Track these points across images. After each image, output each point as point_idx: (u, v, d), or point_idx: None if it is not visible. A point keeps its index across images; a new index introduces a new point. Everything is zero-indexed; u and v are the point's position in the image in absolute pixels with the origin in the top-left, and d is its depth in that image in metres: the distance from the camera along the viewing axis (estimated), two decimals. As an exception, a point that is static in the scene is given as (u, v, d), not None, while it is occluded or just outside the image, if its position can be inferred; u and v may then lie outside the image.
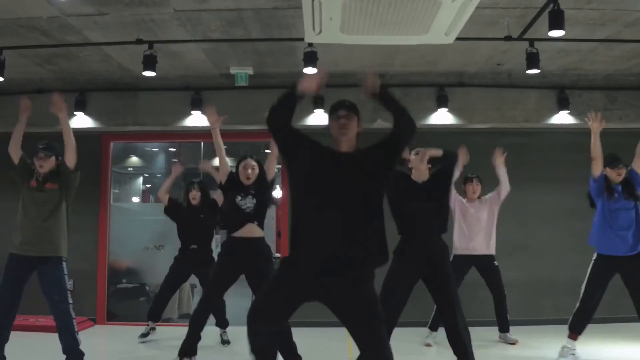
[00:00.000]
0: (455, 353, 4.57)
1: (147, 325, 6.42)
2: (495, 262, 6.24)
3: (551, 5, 4.51)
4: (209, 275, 5.21)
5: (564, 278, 7.06)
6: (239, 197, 4.97)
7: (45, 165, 4.67)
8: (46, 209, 4.61)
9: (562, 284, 7.08)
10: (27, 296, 4.61)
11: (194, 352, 5.15)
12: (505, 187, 6.22)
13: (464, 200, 6.31)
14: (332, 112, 3.29)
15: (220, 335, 6.31)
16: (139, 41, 5.60)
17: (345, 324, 3.05)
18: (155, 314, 6.38)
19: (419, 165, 4.83)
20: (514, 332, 6.29)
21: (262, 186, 5.05)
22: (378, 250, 3.13)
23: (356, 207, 3.08)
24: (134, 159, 10.58)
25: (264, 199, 5.06)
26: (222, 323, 6.29)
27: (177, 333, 6.21)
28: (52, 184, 4.69)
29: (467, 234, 6.19)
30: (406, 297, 4.77)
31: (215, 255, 6.21)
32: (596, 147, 5.19)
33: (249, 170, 4.99)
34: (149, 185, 11.64)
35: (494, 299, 6.24)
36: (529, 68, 5.68)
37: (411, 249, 4.70)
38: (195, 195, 6.33)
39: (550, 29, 4.54)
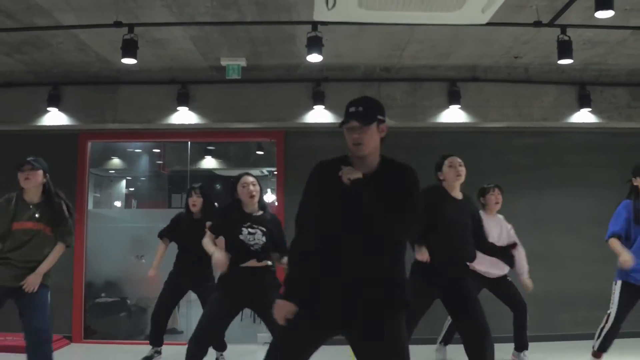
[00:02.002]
0: None
1: (151, 348, 5.72)
2: (508, 277, 5.63)
3: (595, -18, 3.94)
4: (209, 291, 4.63)
5: (584, 290, 6.67)
6: (245, 231, 4.30)
7: None
8: None
9: (582, 296, 6.69)
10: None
11: None
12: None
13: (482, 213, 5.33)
14: (344, 120, 2.67)
15: (217, 359, 5.70)
16: (118, 24, 4.92)
17: None
18: (155, 338, 5.68)
19: (456, 184, 4.36)
20: (530, 348, 5.67)
21: (275, 224, 4.45)
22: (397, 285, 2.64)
23: (377, 237, 2.57)
24: (116, 161, 9.93)
25: (275, 238, 4.41)
26: (220, 346, 5.66)
27: (166, 351, 5.78)
28: None
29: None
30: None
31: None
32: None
33: (251, 187, 4.34)
34: (132, 189, 11.06)
35: (515, 315, 5.58)
36: (560, 58, 5.14)
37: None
38: (195, 202, 5.58)
39: (597, 9, 3.99)
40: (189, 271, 5.48)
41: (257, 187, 4.38)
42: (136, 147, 9.26)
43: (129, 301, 7.28)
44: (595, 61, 6.48)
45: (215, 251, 4.29)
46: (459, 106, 6.57)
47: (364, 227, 2.53)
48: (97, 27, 5.08)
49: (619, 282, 4.73)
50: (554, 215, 6.88)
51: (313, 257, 2.63)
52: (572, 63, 6.00)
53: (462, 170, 4.32)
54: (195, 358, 4.30)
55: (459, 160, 4.35)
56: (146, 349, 5.77)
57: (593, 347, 4.85)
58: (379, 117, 2.66)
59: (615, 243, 4.69)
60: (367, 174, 2.61)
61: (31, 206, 4.25)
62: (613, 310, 4.73)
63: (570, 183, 6.89)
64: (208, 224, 4.67)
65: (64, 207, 4.35)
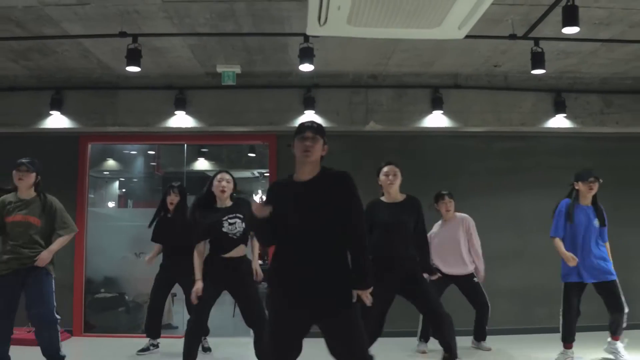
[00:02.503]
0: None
1: (148, 340, 6.13)
2: (475, 279, 6.07)
3: (565, 1, 4.32)
4: (192, 283, 4.98)
5: (560, 285, 6.84)
6: (226, 224, 4.82)
7: None
8: None
9: (557, 291, 6.78)
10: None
11: None
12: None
13: (438, 224, 6.17)
14: (298, 132, 3.26)
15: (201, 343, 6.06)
16: (123, 34, 5.24)
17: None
18: (152, 330, 6.08)
19: (389, 189, 4.88)
20: (509, 340, 6.28)
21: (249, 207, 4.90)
22: (341, 272, 3.17)
23: (318, 234, 3.14)
24: (110, 162, 10.16)
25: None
26: (204, 331, 6.01)
27: (161, 343, 6.14)
28: None
29: (441, 256, 5.99)
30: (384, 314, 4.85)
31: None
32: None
33: (224, 183, 4.91)
34: (124, 190, 11.27)
35: (476, 313, 6.09)
36: (534, 68, 5.50)
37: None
38: (173, 200, 6.03)
39: (564, 25, 4.35)
40: (172, 264, 5.92)
41: (231, 185, 4.93)
42: (131, 149, 9.49)
43: (127, 297, 7.53)
44: (570, 70, 6.85)
45: (198, 282, 4.80)
46: (442, 112, 6.89)
47: (313, 230, 3.13)
48: (103, 37, 5.40)
49: (562, 284, 5.35)
50: (532, 214, 7.14)
51: (279, 256, 3.24)
52: (548, 71, 6.39)
53: (395, 178, 4.84)
54: (194, 340, 4.79)
55: (395, 169, 4.86)
56: (143, 342, 6.12)
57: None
58: (324, 137, 3.27)
59: (558, 243, 5.32)
60: (309, 180, 3.21)
61: (22, 202, 4.81)
62: (563, 307, 5.37)
63: (547, 184, 7.10)
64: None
65: (53, 203, 4.92)
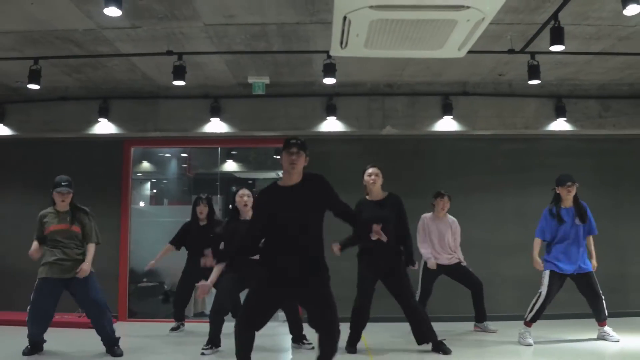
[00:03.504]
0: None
1: (176, 322, 6.95)
2: (463, 263, 6.67)
3: (552, 22, 4.94)
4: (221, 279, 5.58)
5: None
6: None
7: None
8: None
9: None
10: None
11: (219, 344, 5.64)
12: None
13: (429, 216, 6.66)
14: (285, 147, 3.80)
15: None
16: (169, 53, 5.99)
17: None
18: (178, 316, 6.94)
19: (371, 187, 5.51)
20: (513, 325, 6.54)
21: None
22: (319, 264, 3.79)
23: (304, 227, 3.73)
24: (145, 165, 10.84)
25: None
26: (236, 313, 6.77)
27: (194, 329, 6.87)
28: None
29: (435, 247, 6.57)
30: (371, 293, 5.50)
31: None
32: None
33: (245, 198, 5.62)
34: (155, 191, 11.90)
35: (472, 293, 6.62)
36: (530, 79, 6.11)
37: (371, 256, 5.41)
38: (202, 210, 6.74)
39: (552, 44, 4.97)
40: (198, 269, 6.47)
41: (250, 199, 5.65)
42: (166, 152, 10.17)
43: (165, 286, 8.25)
44: (569, 77, 7.44)
45: (210, 281, 5.28)
46: (452, 117, 7.52)
47: (301, 225, 3.72)
48: (152, 55, 6.15)
49: (547, 272, 5.87)
50: (535, 210, 7.37)
51: (269, 247, 3.83)
52: (549, 79, 6.98)
53: (376, 179, 5.47)
54: (218, 324, 5.54)
55: (376, 170, 5.49)
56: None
57: (525, 318, 5.99)
58: (307, 151, 3.84)
59: (536, 243, 6.05)
60: (295, 185, 3.79)
61: (62, 214, 5.51)
62: (543, 291, 5.87)
63: (549, 182, 7.38)
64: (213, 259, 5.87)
65: (86, 214, 5.62)
